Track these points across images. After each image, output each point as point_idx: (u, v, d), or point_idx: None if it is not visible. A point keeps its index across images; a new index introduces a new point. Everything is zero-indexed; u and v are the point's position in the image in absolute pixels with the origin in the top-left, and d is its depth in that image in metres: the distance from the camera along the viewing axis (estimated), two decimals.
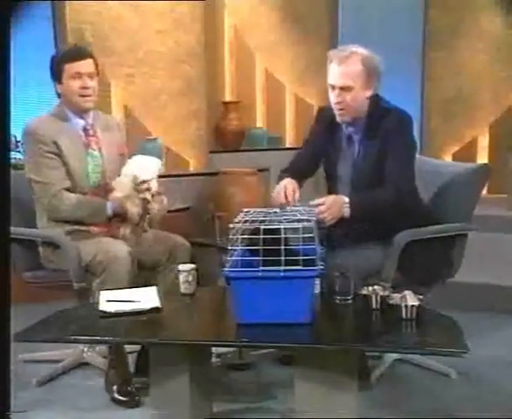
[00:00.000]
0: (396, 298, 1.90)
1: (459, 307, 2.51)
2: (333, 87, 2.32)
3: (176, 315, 2.08)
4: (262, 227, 1.87)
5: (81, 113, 2.56)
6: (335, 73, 2.30)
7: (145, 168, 2.51)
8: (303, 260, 1.80)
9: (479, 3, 5.24)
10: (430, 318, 1.88)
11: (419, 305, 1.84)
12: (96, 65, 2.56)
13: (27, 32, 3.94)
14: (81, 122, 2.57)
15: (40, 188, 2.49)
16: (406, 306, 1.83)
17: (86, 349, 2.63)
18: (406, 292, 1.89)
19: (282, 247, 1.80)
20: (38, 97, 3.93)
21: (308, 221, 1.89)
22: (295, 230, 1.84)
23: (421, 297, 1.89)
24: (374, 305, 1.94)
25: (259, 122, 5.28)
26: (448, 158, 5.30)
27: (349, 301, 2.00)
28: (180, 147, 4.57)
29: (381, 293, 1.95)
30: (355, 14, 5.39)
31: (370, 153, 2.34)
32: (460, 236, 2.52)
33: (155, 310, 1.97)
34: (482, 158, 5.23)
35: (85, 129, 2.58)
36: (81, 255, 2.41)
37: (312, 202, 2.18)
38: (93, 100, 2.55)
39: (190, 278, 2.16)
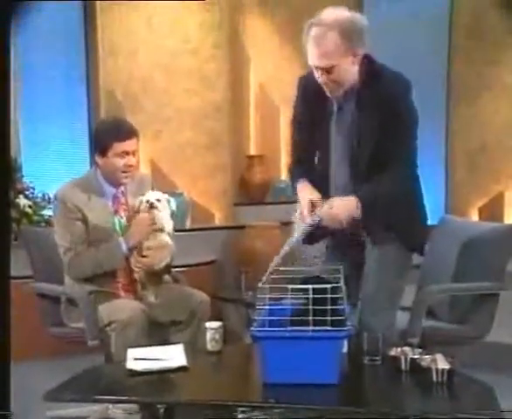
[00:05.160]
0: (426, 360, 1.87)
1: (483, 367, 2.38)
2: (315, 67, 2.11)
3: (202, 374, 2.07)
4: (290, 287, 1.88)
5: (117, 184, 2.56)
6: (314, 55, 2.08)
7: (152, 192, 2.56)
8: (332, 320, 1.79)
9: (501, 57, 5.29)
10: (462, 382, 1.84)
11: (451, 368, 1.81)
12: (138, 141, 2.53)
13: (62, 93, 4.14)
14: (113, 191, 2.56)
15: (60, 251, 2.52)
16: (437, 370, 1.80)
17: (111, 406, 2.62)
18: (437, 355, 1.86)
19: (310, 307, 1.81)
20: (72, 155, 4.12)
21: (337, 282, 1.89)
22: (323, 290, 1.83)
23: (452, 360, 1.85)
24: (403, 367, 1.90)
25: (284, 175, 5.32)
26: (474, 211, 5.25)
27: (378, 362, 1.97)
28: (205, 200, 4.63)
29: (410, 355, 1.92)
30: None
31: (366, 124, 2.12)
32: (491, 296, 2.46)
33: (181, 369, 1.96)
34: (510, 213, 5.16)
35: (115, 197, 2.57)
36: (98, 317, 2.42)
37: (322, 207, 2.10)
38: (132, 176, 2.54)
39: (217, 336, 2.15)
